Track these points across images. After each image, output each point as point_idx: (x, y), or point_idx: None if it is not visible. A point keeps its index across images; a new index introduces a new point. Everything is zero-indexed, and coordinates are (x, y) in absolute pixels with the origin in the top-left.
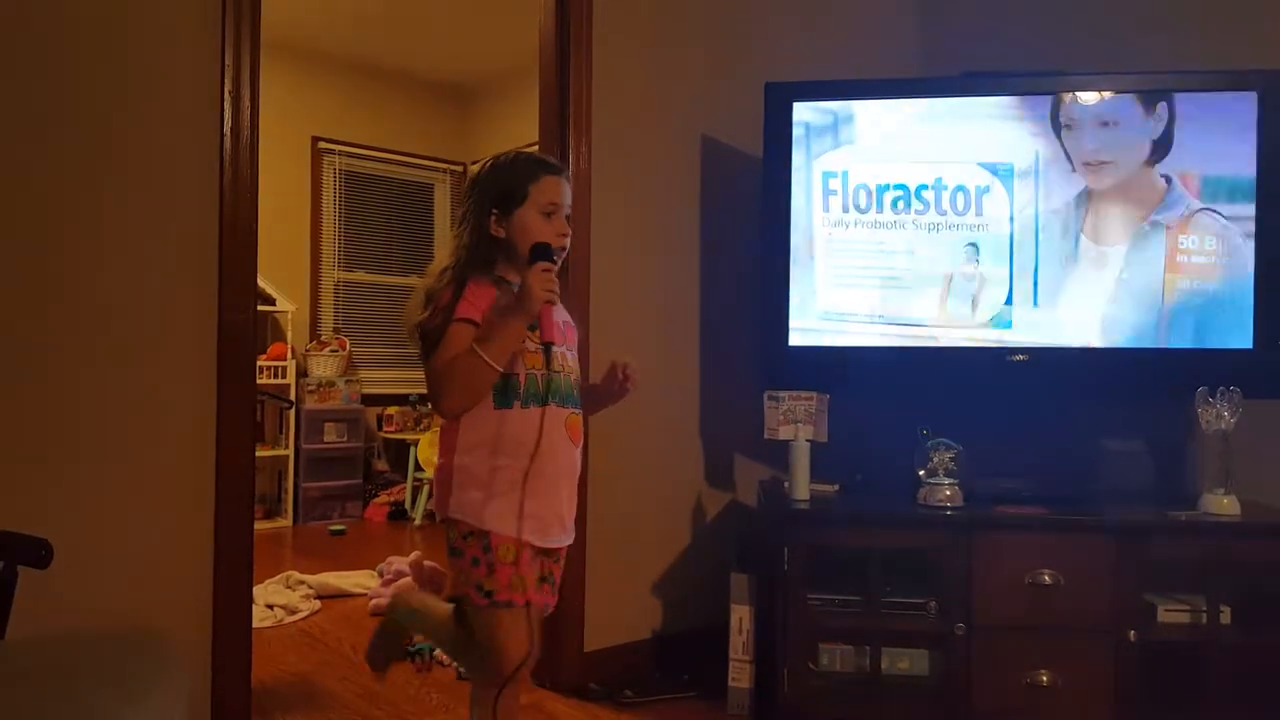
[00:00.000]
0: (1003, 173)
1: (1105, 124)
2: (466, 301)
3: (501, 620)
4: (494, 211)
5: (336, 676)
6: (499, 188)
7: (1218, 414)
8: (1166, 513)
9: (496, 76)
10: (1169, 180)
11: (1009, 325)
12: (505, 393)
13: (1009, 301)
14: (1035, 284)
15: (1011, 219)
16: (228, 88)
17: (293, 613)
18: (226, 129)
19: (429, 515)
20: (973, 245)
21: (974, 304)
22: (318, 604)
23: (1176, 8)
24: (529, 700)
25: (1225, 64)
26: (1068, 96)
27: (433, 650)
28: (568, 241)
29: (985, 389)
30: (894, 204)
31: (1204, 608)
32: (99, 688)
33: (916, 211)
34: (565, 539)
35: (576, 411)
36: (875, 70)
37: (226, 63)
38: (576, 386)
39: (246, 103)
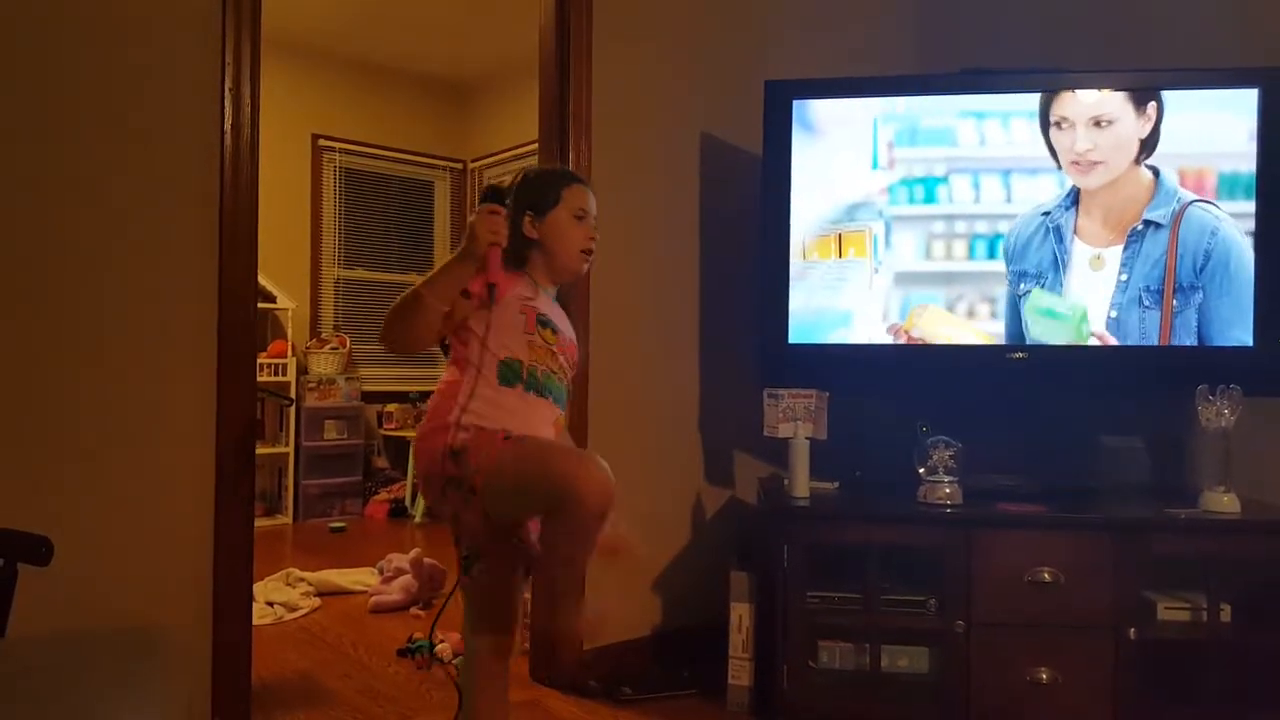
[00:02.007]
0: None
1: (1096, 123)
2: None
3: (533, 453)
4: (529, 213)
5: (336, 674)
6: (535, 192)
7: (1218, 411)
8: (1166, 510)
9: (497, 74)
10: (1156, 173)
11: (1013, 332)
12: (509, 374)
13: (1011, 305)
14: (1033, 286)
15: (1002, 217)
16: (228, 85)
17: (293, 610)
18: (227, 126)
19: (429, 512)
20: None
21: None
22: (318, 601)
23: (1177, 5)
24: (526, 697)
25: (1224, 61)
26: (1061, 95)
27: (433, 647)
28: (594, 245)
29: (984, 387)
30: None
31: (1204, 605)
32: (99, 685)
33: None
34: None
35: (562, 413)
36: (873, 67)
37: (227, 60)
38: (569, 394)
39: (247, 100)
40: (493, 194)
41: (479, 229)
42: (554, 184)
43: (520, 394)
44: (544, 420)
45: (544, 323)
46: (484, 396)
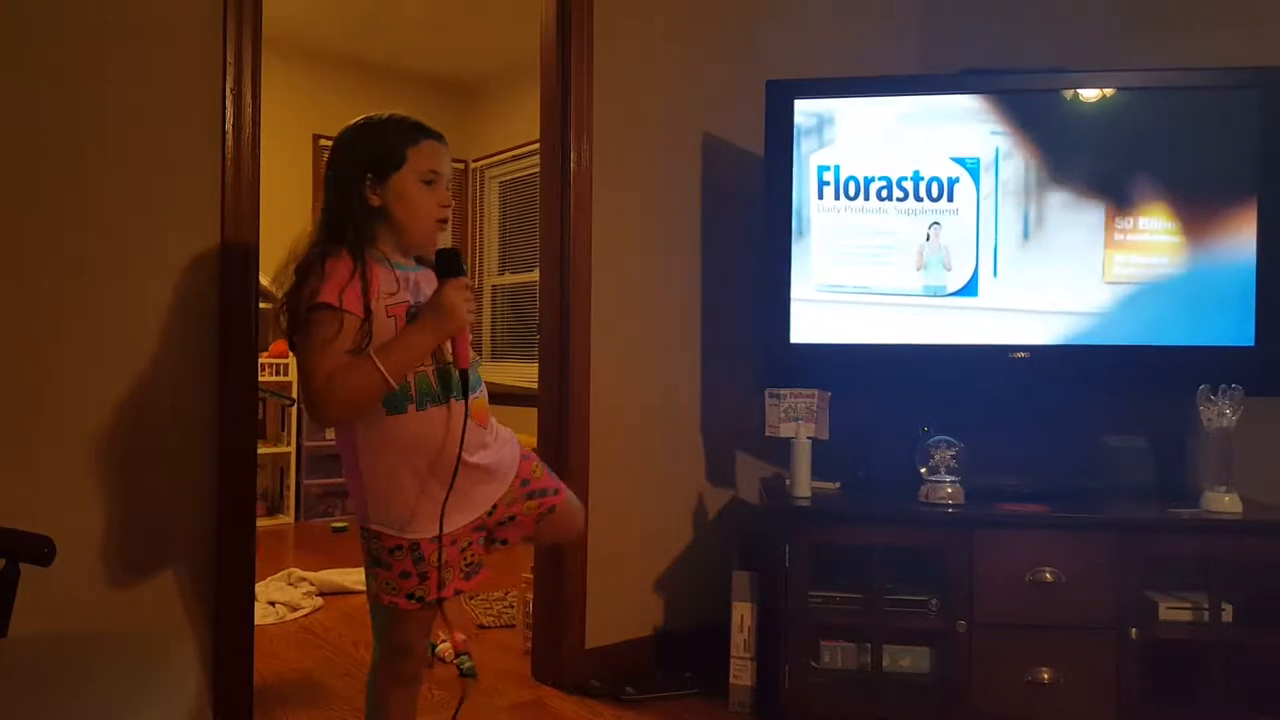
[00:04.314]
0: (970, 166)
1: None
2: (334, 282)
3: (414, 619)
4: (369, 177)
5: (338, 673)
6: (373, 151)
7: (1219, 411)
8: (1168, 510)
9: (498, 74)
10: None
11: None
12: (394, 398)
13: (974, 277)
14: (995, 259)
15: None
16: (229, 86)
17: (294, 610)
18: (228, 127)
19: None
20: (936, 223)
21: (944, 272)
22: (320, 601)
23: (1181, 7)
24: (529, 697)
25: (1228, 62)
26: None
27: (434, 647)
28: (449, 213)
29: (986, 386)
30: (878, 193)
31: (1206, 605)
32: (101, 684)
33: (897, 199)
34: (506, 478)
35: (476, 396)
36: (876, 67)
37: (228, 61)
38: (473, 373)
39: (248, 100)
40: (454, 262)
41: (460, 307)
42: (398, 141)
43: (416, 415)
44: (454, 424)
45: (413, 316)
46: (379, 439)
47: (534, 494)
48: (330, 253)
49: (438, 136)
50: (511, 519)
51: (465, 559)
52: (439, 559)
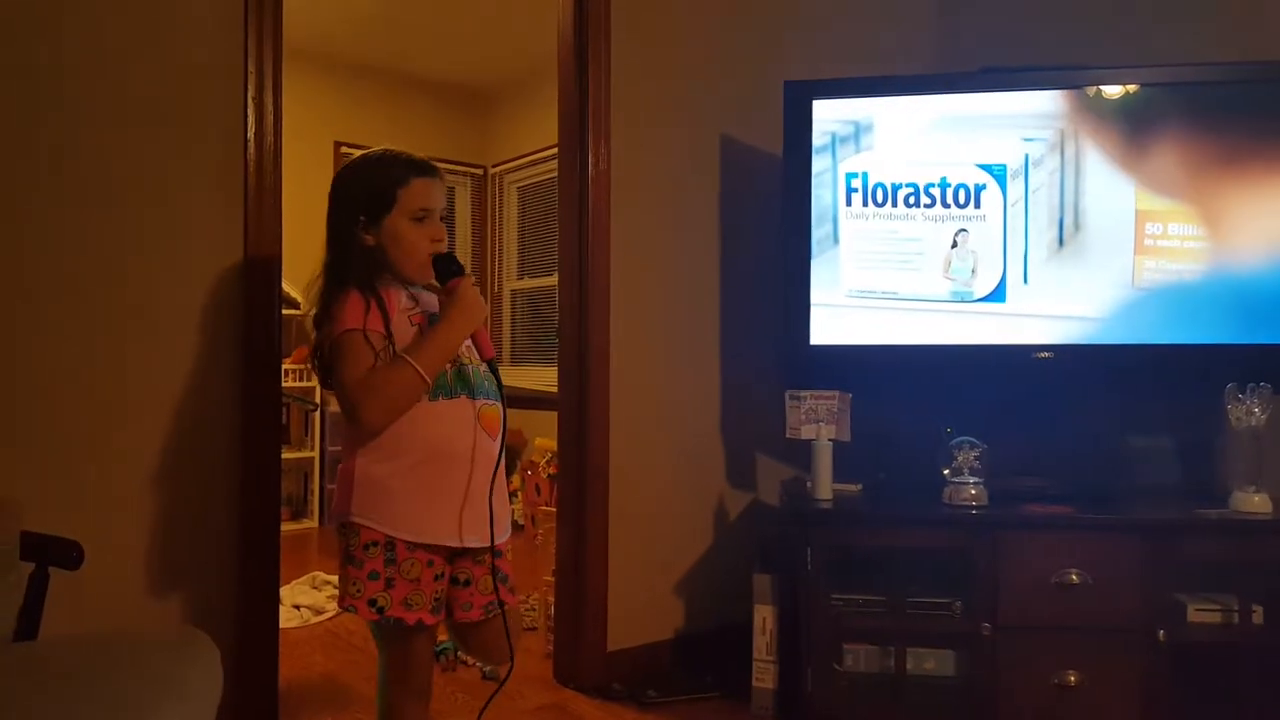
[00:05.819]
0: (997, 173)
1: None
2: (352, 313)
3: (408, 639)
4: (362, 218)
5: (362, 676)
6: (365, 194)
7: (1248, 410)
8: (1196, 511)
9: (517, 79)
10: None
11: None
12: None
13: (1002, 283)
14: (1025, 265)
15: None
16: (250, 94)
17: (319, 613)
18: (250, 135)
19: None
20: (963, 229)
21: (972, 278)
22: None
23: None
24: (551, 700)
25: (1251, 55)
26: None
27: (456, 650)
28: (443, 246)
29: (1010, 387)
30: (905, 200)
31: (1235, 607)
32: (129, 684)
33: (924, 205)
34: (500, 535)
35: (490, 403)
36: (894, 67)
37: (249, 69)
38: (487, 379)
39: (269, 108)
40: (456, 262)
41: (481, 301)
42: (386, 185)
43: (428, 406)
44: (462, 420)
45: (432, 320)
46: (391, 428)
47: (497, 573)
48: (340, 292)
49: (429, 172)
50: (468, 582)
51: (436, 590)
52: (419, 574)
